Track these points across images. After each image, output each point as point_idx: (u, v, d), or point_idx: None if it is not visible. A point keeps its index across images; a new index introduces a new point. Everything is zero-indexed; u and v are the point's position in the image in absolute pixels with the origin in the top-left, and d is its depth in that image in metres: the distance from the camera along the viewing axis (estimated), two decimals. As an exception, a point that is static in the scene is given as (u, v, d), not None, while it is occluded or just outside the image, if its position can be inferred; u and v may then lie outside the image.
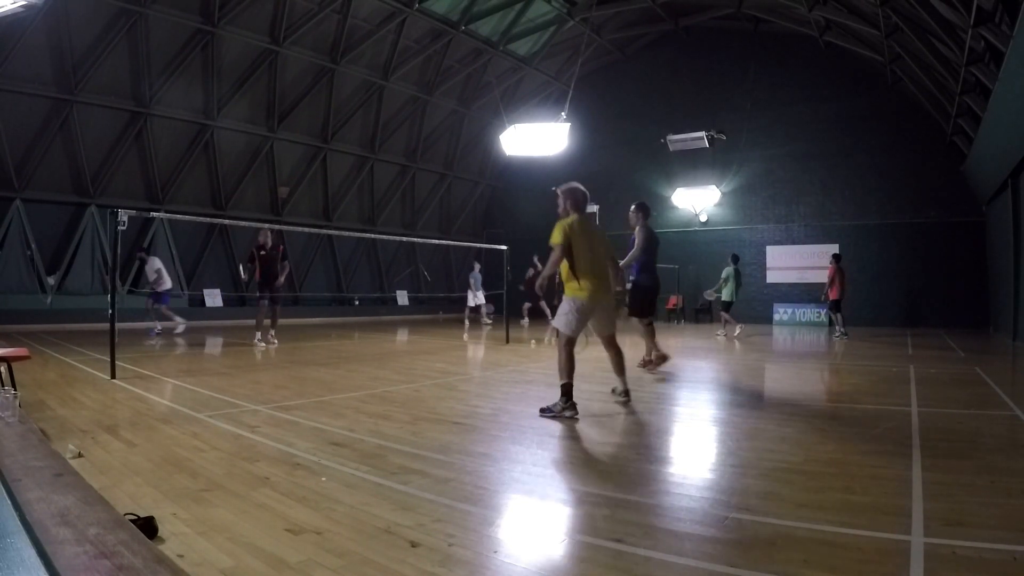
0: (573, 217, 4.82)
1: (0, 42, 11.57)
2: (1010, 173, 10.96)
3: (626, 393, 5.07)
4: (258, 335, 9.94)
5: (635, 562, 2.05)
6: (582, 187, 5.05)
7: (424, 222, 21.83)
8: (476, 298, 16.12)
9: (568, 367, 4.59)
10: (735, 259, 13.09)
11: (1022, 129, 8.66)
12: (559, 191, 5.03)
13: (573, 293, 4.72)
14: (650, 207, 7.47)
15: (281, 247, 10.08)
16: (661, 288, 7.81)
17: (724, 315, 13.09)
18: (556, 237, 4.64)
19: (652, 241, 7.13)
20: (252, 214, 16.61)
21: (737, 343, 11.42)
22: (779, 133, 17.77)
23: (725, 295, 12.76)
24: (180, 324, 11.35)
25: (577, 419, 4.37)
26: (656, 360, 7.18)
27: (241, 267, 10.12)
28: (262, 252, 9.71)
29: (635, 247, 7.06)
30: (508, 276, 11.82)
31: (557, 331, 4.82)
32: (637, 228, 7.13)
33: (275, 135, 16.57)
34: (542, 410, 4.54)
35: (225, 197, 16.33)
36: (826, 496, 2.76)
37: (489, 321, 17.12)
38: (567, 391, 4.50)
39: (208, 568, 1.96)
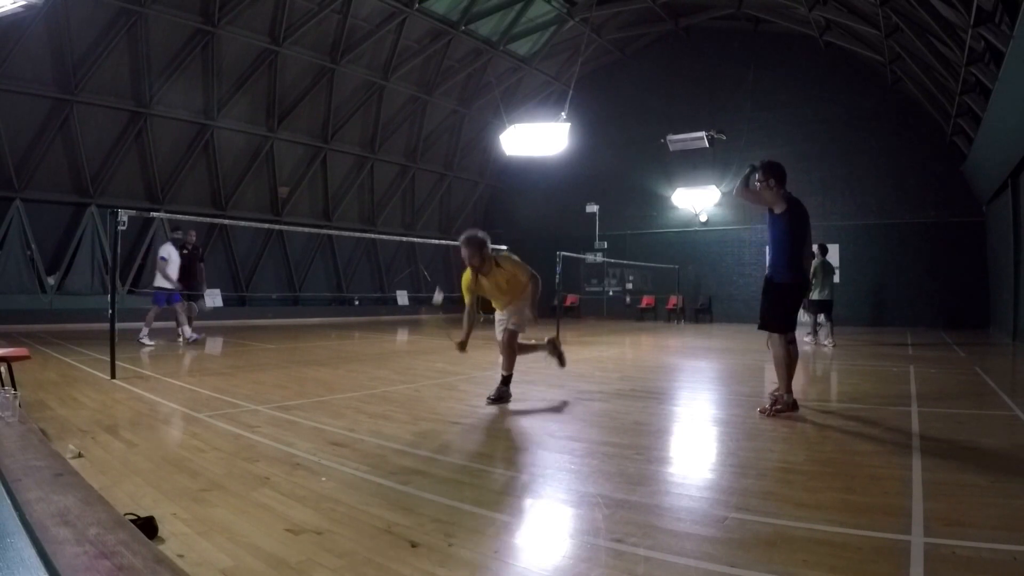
0: (506, 255, 5.16)
1: (0, 42, 11.56)
2: (1010, 173, 10.96)
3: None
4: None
5: (635, 562, 2.05)
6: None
7: (424, 222, 21.83)
8: None
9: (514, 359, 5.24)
10: (822, 250, 10.90)
11: (1022, 129, 8.66)
12: (475, 244, 4.97)
13: (528, 295, 5.16)
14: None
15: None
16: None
17: (819, 317, 11.04)
18: (526, 272, 5.09)
19: (800, 219, 4.85)
20: (252, 214, 16.60)
21: (827, 350, 10.08)
22: (779, 133, 17.76)
23: (814, 293, 10.51)
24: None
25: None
26: (781, 404, 4.70)
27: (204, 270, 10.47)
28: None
29: (785, 231, 4.79)
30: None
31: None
32: (773, 198, 4.83)
33: (275, 135, 16.56)
34: (490, 398, 5.07)
35: (225, 197, 16.32)
36: (826, 496, 2.76)
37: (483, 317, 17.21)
38: (509, 380, 5.20)
39: (208, 568, 1.96)
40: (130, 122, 14.19)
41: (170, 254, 9.68)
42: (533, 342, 5.64)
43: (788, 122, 17.63)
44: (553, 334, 5.51)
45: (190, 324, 9.99)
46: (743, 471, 3.20)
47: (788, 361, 4.69)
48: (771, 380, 5.67)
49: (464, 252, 4.98)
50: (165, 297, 9.64)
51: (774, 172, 4.87)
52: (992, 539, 2.22)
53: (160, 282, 9.60)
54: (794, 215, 4.82)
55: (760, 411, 4.69)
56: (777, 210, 4.84)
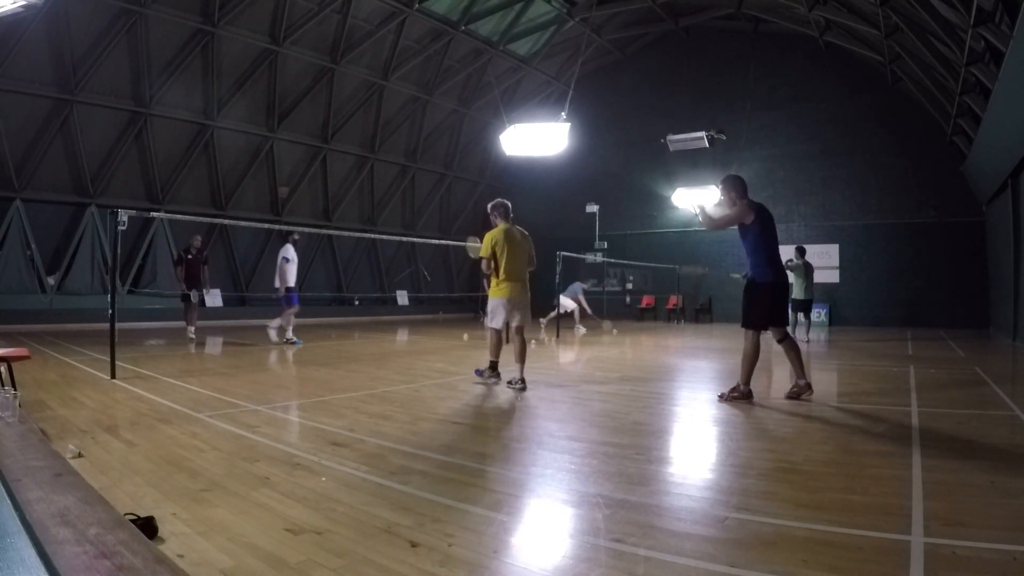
0: (499, 228, 5.87)
1: (0, 42, 11.56)
2: (1010, 173, 10.96)
3: (522, 382, 5.68)
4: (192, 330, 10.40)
5: (635, 562, 2.05)
6: (506, 201, 6.13)
7: (424, 222, 21.83)
8: (564, 305, 14.12)
9: (496, 348, 6.03)
10: (800, 252, 11.40)
11: (1022, 129, 8.66)
12: (489, 207, 6.15)
13: (496, 295, 5.85)
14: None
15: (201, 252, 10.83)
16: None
17: (798, 316, 11.31)
18: (484, 250, 5.84)
19: (768, 222, 5.15)
20: (252, 214, 16.60)
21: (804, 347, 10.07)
22: (779, 133, 17.76)
23: (795, 292, 10.77)
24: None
25: (498, 383, 5.86)
26: (800, 389, 5.20)
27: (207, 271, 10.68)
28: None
29: (757, 237, 5.11)
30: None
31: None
32: (740, 213, 5.14)
33: (275, 135, 16.56)
34: (476, 371, 6.14)
35: (225, 197, 16.32)
36: (826, 496, 2.76)
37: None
38: (494, 366, 5.98)
39: (208, 568, 1.96)
40: (130, 122, 14.19)
41: (293, 256, 9.89)
42: (494, 361, 6.06)
43: (788, 122, 17.63)
44: (499, 377, 6.01)
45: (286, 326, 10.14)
46: (743, 471, 3.20)
47: (753, 357, 5.17)
48: (773, 377, 5.67)
49: None
50: (290, 297, 9.91)
51: (733, 185, 5.21)
52: (992, 539, 2.22)
53: (280, 283, 9.86)
54: (762, 222, 5.13)
55: (719, 396, 5.23)
56: (747, 222, 5.13)
